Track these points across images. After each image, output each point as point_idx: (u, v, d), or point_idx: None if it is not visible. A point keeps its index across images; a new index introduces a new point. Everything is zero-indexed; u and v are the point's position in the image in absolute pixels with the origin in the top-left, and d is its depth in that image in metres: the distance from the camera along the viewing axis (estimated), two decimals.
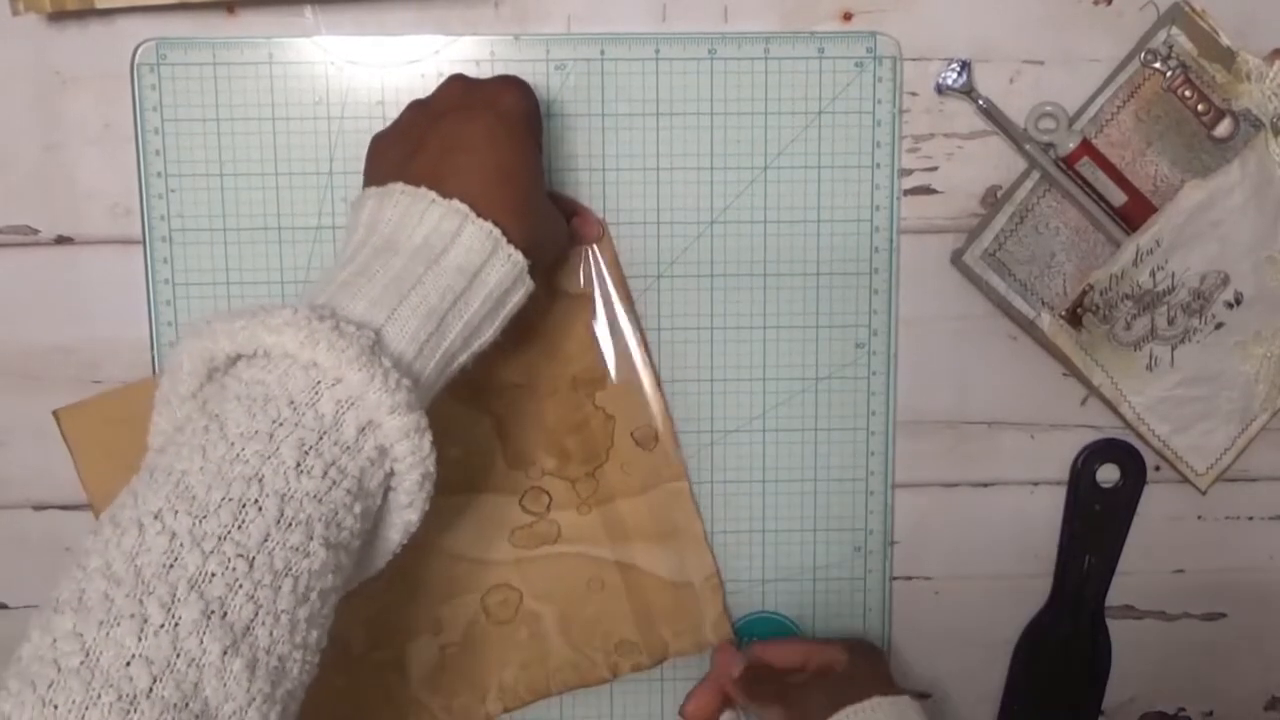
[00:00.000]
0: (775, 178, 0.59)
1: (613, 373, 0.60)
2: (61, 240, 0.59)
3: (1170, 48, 0.58)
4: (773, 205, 0.59)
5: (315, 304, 0.44)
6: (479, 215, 0.46)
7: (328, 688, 0.59)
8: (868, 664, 0.58)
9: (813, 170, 0.59)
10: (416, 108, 0.52)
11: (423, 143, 0.48)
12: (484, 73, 0.58)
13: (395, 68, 0.57)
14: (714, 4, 0.58)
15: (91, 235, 0.59)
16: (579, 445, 0.60)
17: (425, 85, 0.57)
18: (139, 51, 0.57)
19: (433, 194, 0.46)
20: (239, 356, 0.43)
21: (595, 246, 0.59)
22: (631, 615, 0.61)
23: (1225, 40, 0.58)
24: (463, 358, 0.47)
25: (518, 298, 0.48)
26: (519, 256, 0.47)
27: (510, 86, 0.50)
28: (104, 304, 0.59)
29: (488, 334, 0.48)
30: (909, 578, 0.64)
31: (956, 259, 0.60)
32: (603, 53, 0.58)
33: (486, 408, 0.59)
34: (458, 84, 0.51)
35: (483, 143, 0.48)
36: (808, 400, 0.61)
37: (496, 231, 0.46)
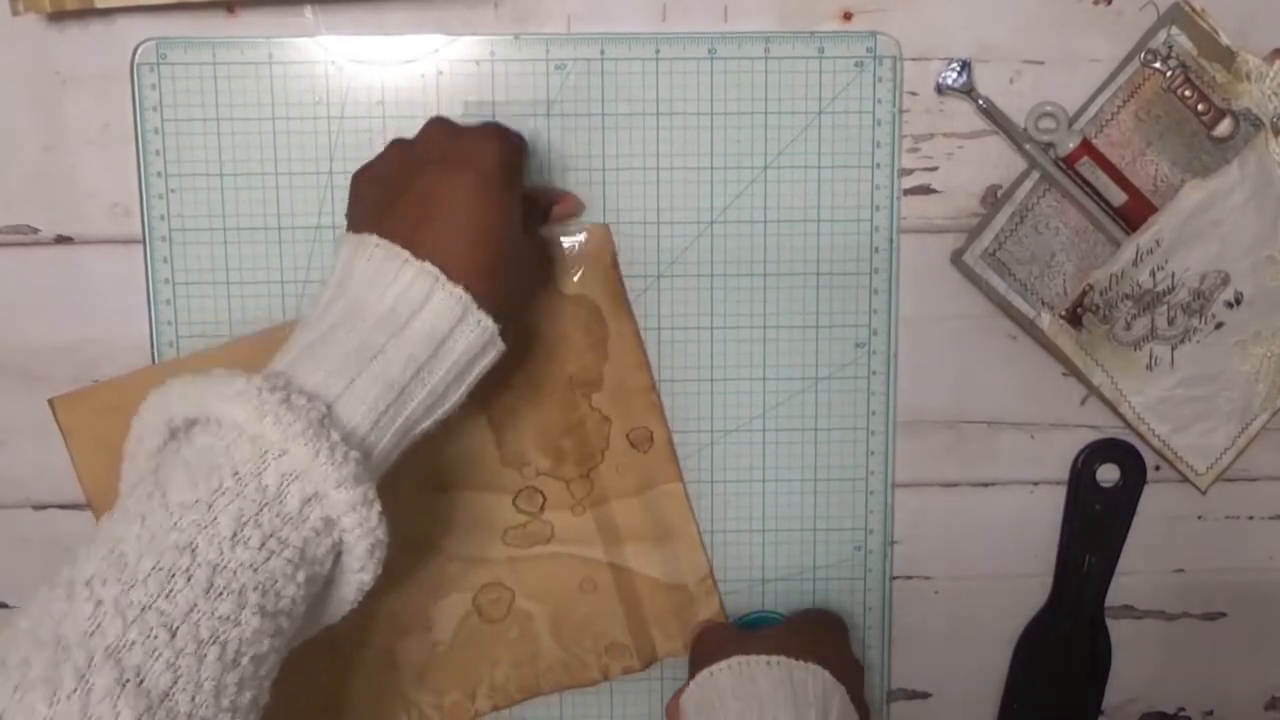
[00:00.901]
0: (775, 178, 0.59)
1: (609, 374, 0.60)
2: (61, 240, 0.59)
3: (1170, 48, 0.58)
4: (773, 205, 0.59)
5: (273, 371, 0.44)
6: (452, 278, 0.46)
7: (317, 685, 0.60)
8: (795, 631, 0.57)
9: (813, 170, 0.59)
10: (399, 149, 0.51)
11: (402, 193, 0.48)
12: (484, 73, 0.58)
13: (395, 67, 0.57)
14: (714, 4, 0.58)
15: (91, 235, 0.59)
16: (574, 446, 0.60)
17: (425, 85, 0.57)
18: (139, 51, 0.57)
19: (406, 254, 0.46)
20: (196, 420, 0.43)
21: (592, 247, 0.59)
22: (623, 617, 0.61)
23: (1225, 40, 0.58)
24: (426, 424, 0.47)
25: (486, 362, 0.48)
26: (489, 322, 0.47)
27: (491, 137, 0.50)
28: (104, 304, 0.59)
29: (453, 399, 0.48)
30: (909, 578, 0.64)
31: (956, 259, 0.60)
32: (603, 53, 0.58)
33: (482, 406, 0.59)
34: (440, 130, 0.51)
35: (461, 203, 0.47)
36: (808, 400, 0.61)
37: (467, 297, 0.46)
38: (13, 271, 0.59)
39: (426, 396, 0.46)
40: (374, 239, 0.47)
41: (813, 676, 0.52)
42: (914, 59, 0.59)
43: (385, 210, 0.48)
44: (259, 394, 0.42)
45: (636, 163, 0.59)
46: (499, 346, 0.48)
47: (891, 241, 0.60)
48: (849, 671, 0.55)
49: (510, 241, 0.49)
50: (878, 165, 0.59)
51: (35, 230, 0.58)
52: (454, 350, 0.46)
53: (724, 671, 0.53)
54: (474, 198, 0.47)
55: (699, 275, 0.60)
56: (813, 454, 0.62)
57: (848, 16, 0.58)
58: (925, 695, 0.66)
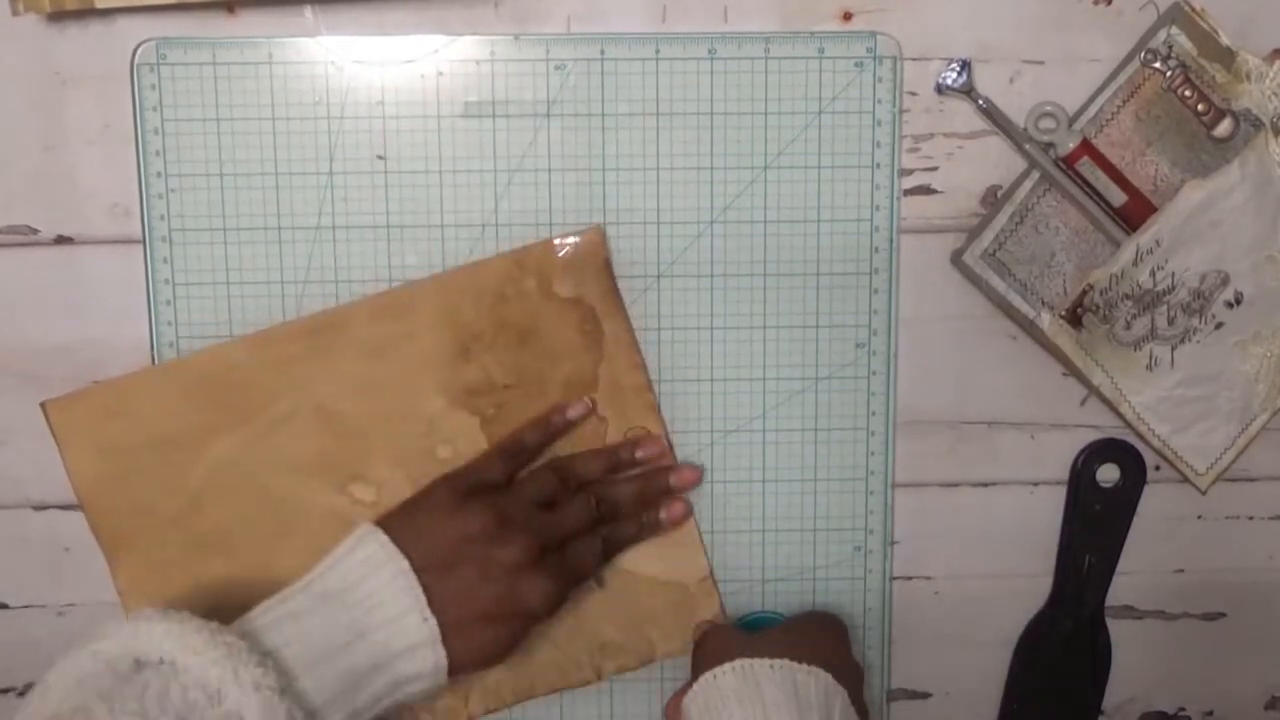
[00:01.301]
0: (775, 178, 0.59)
1: (604, 375, 0.60)
2: (61, 240, 0.59)
3: (1170, 47, 0.58)
4: (773, 205, 0.59)
5: (250, 628, 0.48)
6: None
7: None
8: (797, 634, 0.57)
9: (813, 170, 0.59)
10: (489, 510, 0.54)
11: (451, 534, 0.53)
12: (484, 73, 0.57)
13: (395, 67, 0.57)
14: (714, 4, 0.58)
15: (91, 235, 0.59)
16: (569, 446, 0.60)
17: (425, 85, 0.57)
18: (139, 51, 0.57)
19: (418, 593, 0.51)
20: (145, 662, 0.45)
21: (586, 248, 0.58)
22: (616, 617, 0.61)
23: (1225, 40, 0.58)
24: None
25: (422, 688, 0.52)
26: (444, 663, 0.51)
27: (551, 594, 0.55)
28: (104, 304, 0.59)
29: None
30: (909, 578, 0.64)
31: (956, 259, 0.60)
32: (603, 53, 0.58)
33: (476, 409, 0.59)
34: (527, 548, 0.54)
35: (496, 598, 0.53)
36: (808, 400, 0.61)
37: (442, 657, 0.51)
38: (12, 271, 0.59)
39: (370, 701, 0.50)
40: (405, 565, 0.51)
41: (815, 680, 0.53)
42: (914, 59, 0.59)
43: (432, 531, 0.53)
44: (229, 649, 0.45)
45: (636, 163, 0.59)
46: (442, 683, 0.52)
47: (891, 241, 0.60)
48: (850, 674, 0.55)
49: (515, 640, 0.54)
50: (878, 165, 0.59)
51: (35, 230, 0.58)
52: (405, 674, 0.51)
53: (727, 674, 0.53)
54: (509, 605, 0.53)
55: (699, 275, 0.60)
56: (813, 454, 0.62)
57: (848, 16, 0.58)
58: (925, 695, 0.66)
